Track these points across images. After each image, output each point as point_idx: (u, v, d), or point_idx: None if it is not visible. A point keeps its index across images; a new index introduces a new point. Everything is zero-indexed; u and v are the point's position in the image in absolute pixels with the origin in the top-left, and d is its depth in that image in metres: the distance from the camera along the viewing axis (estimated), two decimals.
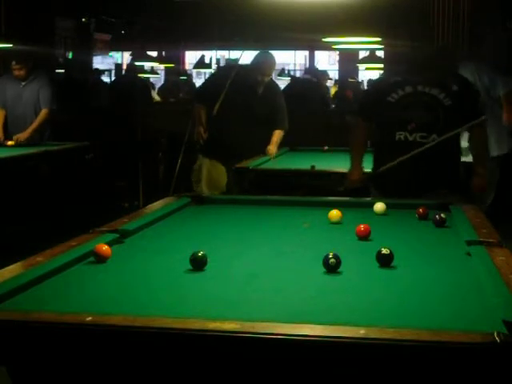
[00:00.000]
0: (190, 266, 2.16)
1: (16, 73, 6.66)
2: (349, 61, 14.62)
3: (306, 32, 10.72)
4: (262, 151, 5.37)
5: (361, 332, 1.54)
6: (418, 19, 7.65)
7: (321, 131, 8.24)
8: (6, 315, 1.69)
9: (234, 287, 2.01)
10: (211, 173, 5.52)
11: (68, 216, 6.06)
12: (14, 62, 6.64)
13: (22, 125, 6.65)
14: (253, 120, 5.37)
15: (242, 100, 5.36)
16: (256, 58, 5.50)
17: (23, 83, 6.71)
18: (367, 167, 4.83)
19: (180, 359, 1.60)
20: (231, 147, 5.29)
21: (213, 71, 12.64)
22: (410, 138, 3.87)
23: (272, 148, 5.43)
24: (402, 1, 8.26)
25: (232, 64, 6.30)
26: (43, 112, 6.70)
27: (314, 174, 4.58)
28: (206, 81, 6.59)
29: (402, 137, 3.89)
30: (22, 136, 6.54)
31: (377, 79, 5.21)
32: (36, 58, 7.25)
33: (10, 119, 6.75)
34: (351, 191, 3.97)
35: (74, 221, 5.49)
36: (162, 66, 14.71)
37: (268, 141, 5.46)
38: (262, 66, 5.43)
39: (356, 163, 4.09)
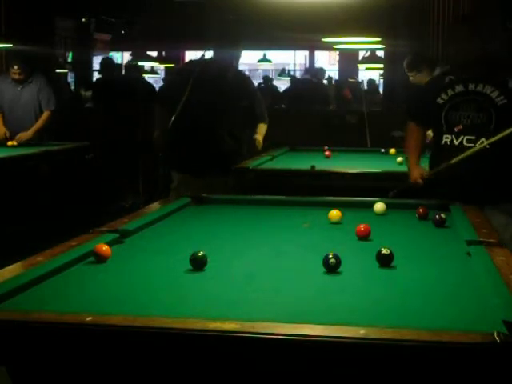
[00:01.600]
0: (190, 266, 2.16)
1: (16, 77, 6.68)
2: (349, 61, 14.63)
3: (306, 32, 10.73)
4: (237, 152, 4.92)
5: (361, 332, 1.54)
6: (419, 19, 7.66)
7: (321, 131, 8.25)
8: (5, 315, 1.69)
9: (234, 287, 2.01)
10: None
11: (68, 216, 6.06)
12: (15, 67, 6.65)
13: (21, 127, 6.67)
14: (223, 113, 4.78)
15: (210, 93, 4.72)
16: (217, 51, 4.92)
17: (20, 86, 6.73)
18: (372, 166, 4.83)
19: (180, 359, 1.60)
20: (202, 150, 4.74)
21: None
22: (456, 142, 3.64)
23: (259, 137, 4.98)
24: (402, 1, 8.28)
25: (195, 60, 5.30)
26: (46, 114, 6.75)
27: (313, 174, 4.58)
28: (167, 80, 5.93)
29: (448, 140, 3.68)
30: (26, 135, 6.56)
31: (428, 80, 4.96)
32: (36, 59, 7.26)
33: (7, 122, 6.76)
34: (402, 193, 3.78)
35: (73, 221, 5.50)
36: (162, 66, 14.72)
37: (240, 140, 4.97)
38: (229, 54, 4.88)
39: (412, 165, 3.89)
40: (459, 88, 3.69)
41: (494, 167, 3.64)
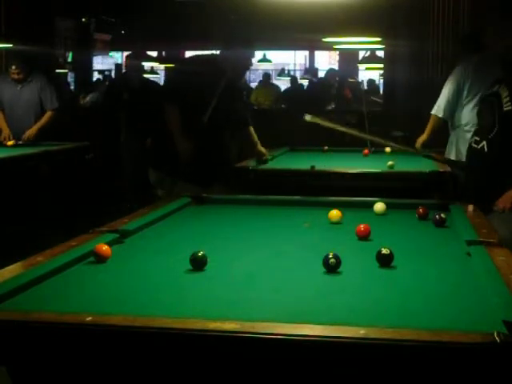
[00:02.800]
0: (190, 266, 2.16)
1: (15, 76, 6.69)
2: (349, 61, 14.62)
3: (306, 32, 10.74)
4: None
5: (361, 332, 1.54)
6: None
7: (321, 131, 8.23)
8: (6, 315, 1.69)
9: (234, 287, 2.01)
10: None
11: (68, 216, 6.06)
12: (13, 67, 6.66)
13: (21, 126, 6.67)
14: (232, 118, 4.43)
15: (227, 97, 4.32)
16: (231, 52, 4.38)
17: (20, 85, 6.74)
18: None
19: (180, 359, 1.60)
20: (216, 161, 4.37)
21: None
22: (470, 141, 3.66)
23: (262, 147, 4.72)
24: (402, 1, 8.28)
25: (202, 56, 4.58)
26: (49, 113, 6.77)
27: (313, 174, 4.58)
28: (177, 76, 4.68)
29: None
30: (31, 133, 6.57)
31: None
32: (35, 59, 7.26)
33: (7, 121, 6.76)
34: None
35: (74, 221, 5.50)
36: (162, 66, 14.72)
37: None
38: (245, 56, 4.45)
39: None
40: (496, 87, 3.57)
41: (495, 172, 3.51)
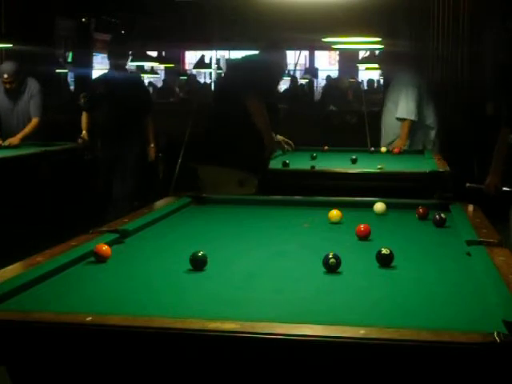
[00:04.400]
0: (190, 266, 2.16)
1: (7, 86, 6.63)
2: (349, 61, 14.64)
3: (306, 32, 10.73)
4: None
5: (361, 332, 1.54)
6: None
7: (321, 131, 8.24)
8: (5, 315, 1.69)
9: (234, 287, 2.01)
10: None
11: (68, 216, 6.06)
12: (5, 76, 6.60)
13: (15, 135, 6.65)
14: None
15: None
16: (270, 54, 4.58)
17: (13, 101, 6.70)
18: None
19: (180, 359, 1.60)
20: None
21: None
22: None
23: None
24: (402, 1, 8.28)
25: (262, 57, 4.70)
26: (34, 121, 6.70)
27: (313, 174, 4.57)
28: (262, 74, 4.39)
29: None
30: (14, 140, 6.51)
31: None
32: (36, 59, 7.24)
33: (2, 131, 6.71)
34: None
35: (74, 221, 5.50)
36: (162, 66, 14.73)
37: None
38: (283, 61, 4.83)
39: (493, 172, 4.14)
40: None
41: None
